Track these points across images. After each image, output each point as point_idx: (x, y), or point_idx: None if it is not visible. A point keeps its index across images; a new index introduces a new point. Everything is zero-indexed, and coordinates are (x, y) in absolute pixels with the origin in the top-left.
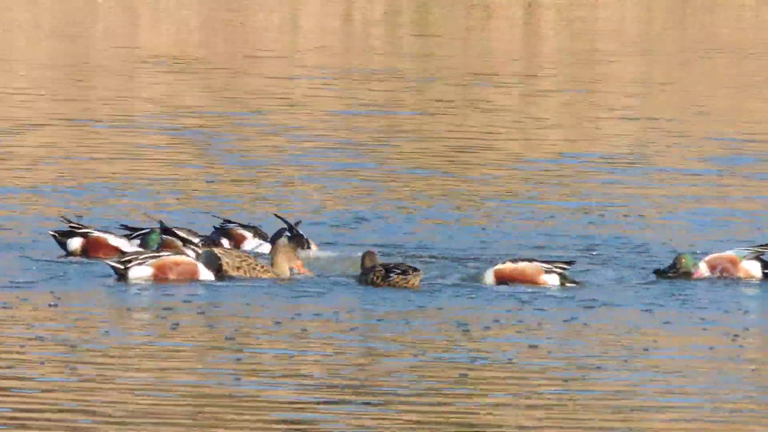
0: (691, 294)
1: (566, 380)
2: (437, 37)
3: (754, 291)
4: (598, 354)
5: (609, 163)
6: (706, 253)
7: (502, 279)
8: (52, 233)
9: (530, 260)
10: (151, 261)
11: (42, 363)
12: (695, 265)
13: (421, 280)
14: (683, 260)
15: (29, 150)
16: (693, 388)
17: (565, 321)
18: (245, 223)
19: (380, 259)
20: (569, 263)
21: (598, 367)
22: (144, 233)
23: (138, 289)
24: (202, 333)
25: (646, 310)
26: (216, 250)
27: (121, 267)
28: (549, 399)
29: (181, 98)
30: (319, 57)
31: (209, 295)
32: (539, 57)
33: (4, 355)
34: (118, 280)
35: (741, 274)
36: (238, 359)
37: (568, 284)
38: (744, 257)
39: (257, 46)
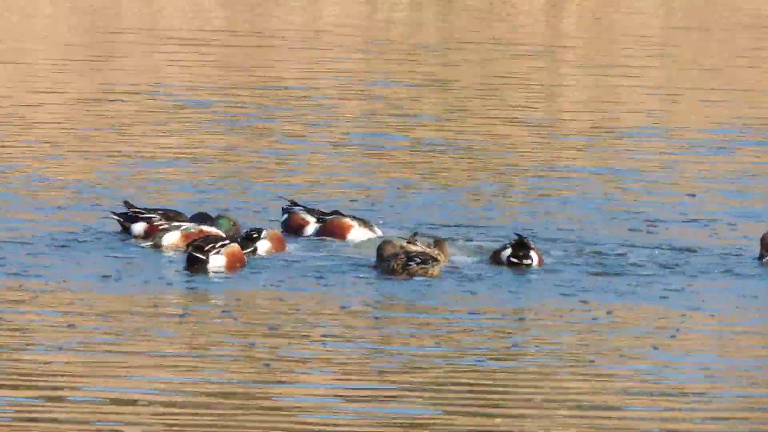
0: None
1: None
2: (460, 8)
3: None
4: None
5: (640, 135)
6: None
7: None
8: (115, 217)
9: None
10: (222, 250)
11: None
12: None
13: (441, 270)
14: None
15: (49, 125)
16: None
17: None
18: (310, 206)
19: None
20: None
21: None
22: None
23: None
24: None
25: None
26: (422, 244)
27: (203, 257)
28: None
29: (202, 72)
30: (341, 31)
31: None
32: (563, 27)
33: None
34: (188, 268)
35: None
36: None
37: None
38: None
39: (280, 21)
